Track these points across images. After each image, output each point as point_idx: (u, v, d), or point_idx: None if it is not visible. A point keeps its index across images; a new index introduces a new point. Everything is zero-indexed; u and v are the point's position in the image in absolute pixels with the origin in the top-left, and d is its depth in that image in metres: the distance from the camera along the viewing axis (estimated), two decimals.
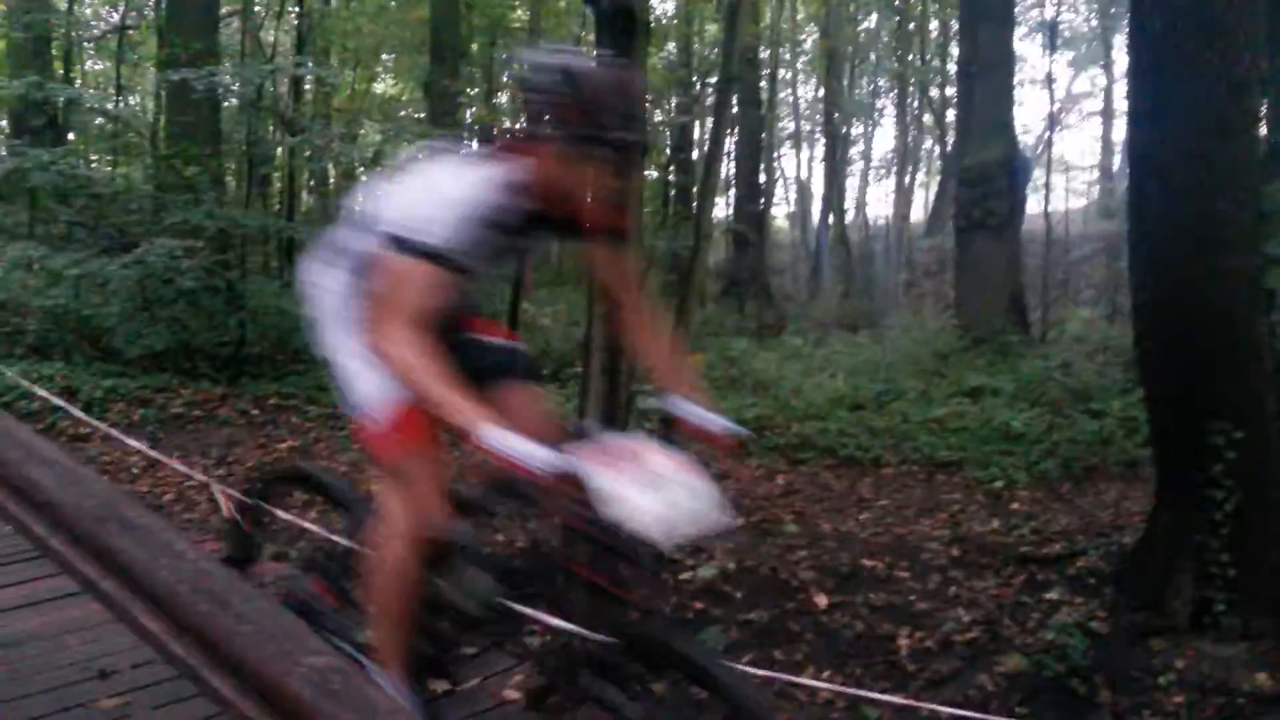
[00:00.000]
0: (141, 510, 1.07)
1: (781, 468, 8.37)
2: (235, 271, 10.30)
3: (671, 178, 19.94)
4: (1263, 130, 7.04)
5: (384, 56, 21.29)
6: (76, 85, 17.95)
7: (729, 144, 22.53)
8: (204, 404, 8.90)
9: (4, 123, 18.25)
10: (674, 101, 20.11)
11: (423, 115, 16.84)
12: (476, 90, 19.48)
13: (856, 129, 29.35)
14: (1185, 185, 4.98)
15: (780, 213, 31.05)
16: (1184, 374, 5.11)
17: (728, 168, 23.14)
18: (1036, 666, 4.59)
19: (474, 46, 18.40)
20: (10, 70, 17.05)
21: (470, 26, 17.14)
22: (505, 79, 19.10)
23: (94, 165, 16.45)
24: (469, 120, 18.50)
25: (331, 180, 20.92)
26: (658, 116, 20.49)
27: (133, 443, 6.44)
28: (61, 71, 17.65)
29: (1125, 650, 4.75)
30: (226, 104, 12.77)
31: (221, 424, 8.52)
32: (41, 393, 7.49)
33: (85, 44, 18.92)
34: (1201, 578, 4.87)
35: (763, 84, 23.42)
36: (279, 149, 12.70)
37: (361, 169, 15.53)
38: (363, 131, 18.28)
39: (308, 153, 12.92)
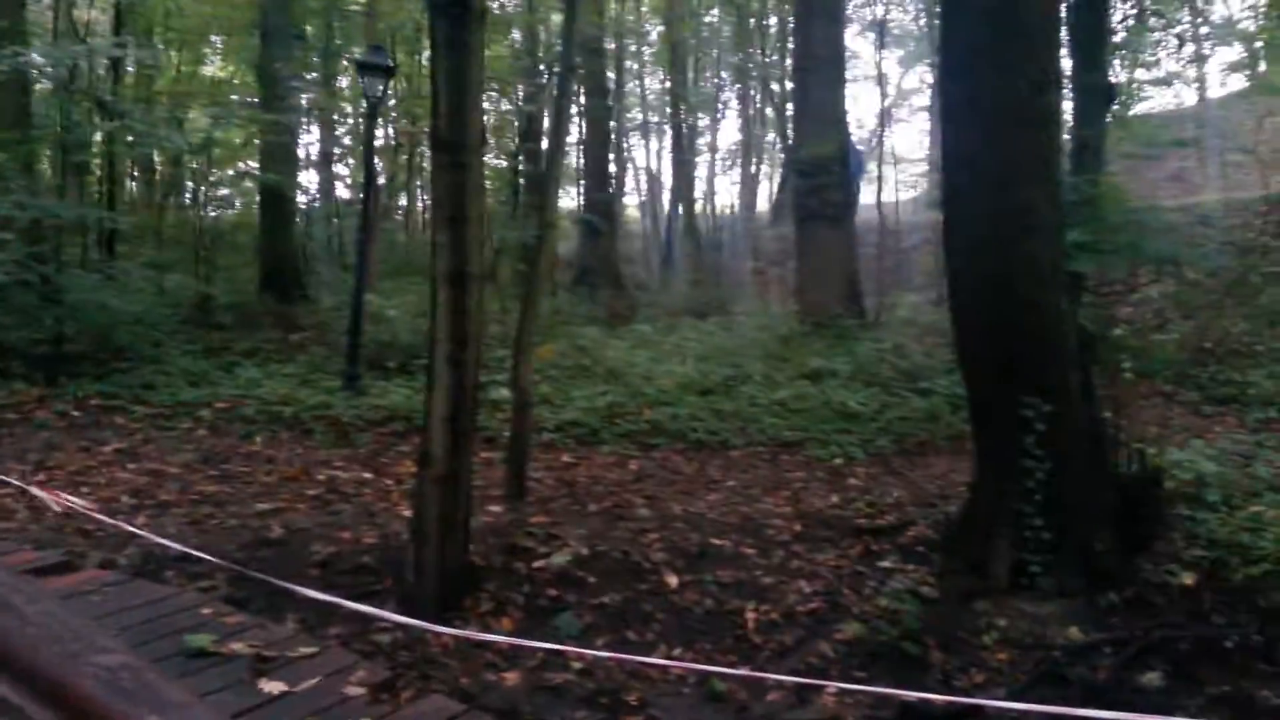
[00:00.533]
0: None
1: (633, 453, 8.49)
2: (51, 265, 9.58)
3: (521, 167, 19.79)
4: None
5: (212, 38, 20.18)
6: None
7: (577, 134, 22.55)
8: (19, 406, 8.27)
9: None
10: (520, 91, 19.95)
11: (255, 100, 16.07)
12: (315, 74, 18.75)
13: (703, 121, 29.92)
14: (992, 177, 5.35)
15: (631, 202, 31.34)
16: (996, 353, 5.50)
17: (576, 157, 23.17)
18: (873, 632, 4.84)
19: (308, 29, 17.69)
20: None
21: (304, 8, 16.46)
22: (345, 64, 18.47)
23: None
24: (304, 104, 17.81)
25: (159, 167, 19.72)
26: (504, 106, 20.30)
27: None
28: None
29: (953, 613, 5.08)
30: (38, 85, 11.86)
31: (40, 427, 7.95)
32: None
33: None
34: (1018, 542, 5.27)
35: (610, 74, 23.55)
36: (96, 135, 11.88)
37: (189, 155, 14.72)
38: (191, 116, 17.31)
39: (130, 138, 12.15)
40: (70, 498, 5.55)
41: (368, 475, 7.42)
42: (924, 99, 30.24)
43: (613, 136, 24.18)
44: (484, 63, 5.41)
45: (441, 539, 5.33)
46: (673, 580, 5.74)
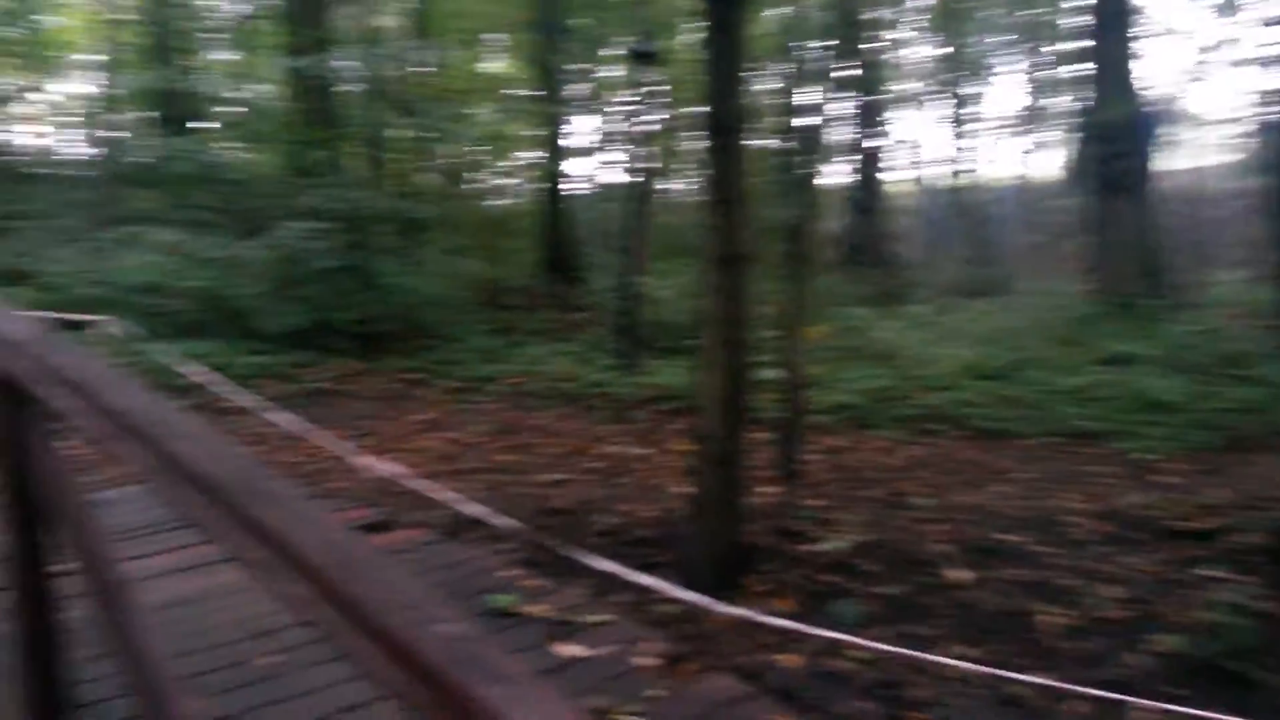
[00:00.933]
0: (283, 482, 1.08)
1: (909, 439, 8.13)
2: (365, 252, 10.65)
3: (783, 145, 19.54)
4: None
5: (493, 35, 21.55)
6: (208, 76, 18.92)
7: (844, 108, 21.89)
8: (344, 378, 9.26)
9: (146, 113, 19.37)
10: (784, 67, 19.64)
11: (532, 93, 16.99)
12: (583, 65, 19.51)
13: (979, 87, 28.09)
14: None
15: (900, 176, 30.13)
16: None
17: (842, 132, 22.51)
18: (1194, 646, 4.32)
19: (580, 21, 18.39)
20: (148, 63, 18.11)
21: (575, 3, 17.13)
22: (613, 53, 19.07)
23: (228, 152, 17.32)
24: (576, 94, 18.56)
25: (447, 159, 21.37)
26: (770, 85, 20.07)
27: (278, 416, 6.74)
28: (193, 64, 18.61)
29: None
30: (345, 89, 13.16)
31: (360, 398, 8.86)
32: (193, 369, 7.92)
33: (213, 35, 19.80)
34: None
35: (876, 43, 22.63)
36: (394, 131, 13.03)
37: (473, 148, 15.83)
38: (474, 111, 18.57)
39: (422, 133, 13.22)
40: (387, 463, 6.13)
41: (644, 451, 7.62)
42: (1241, 51, 26.63)
43: (880, 107, 23.25)
44: (750, 43, 5.38)
45: (718, 518, 5.37)
46: (959, 574, 5.43)
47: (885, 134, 24.04)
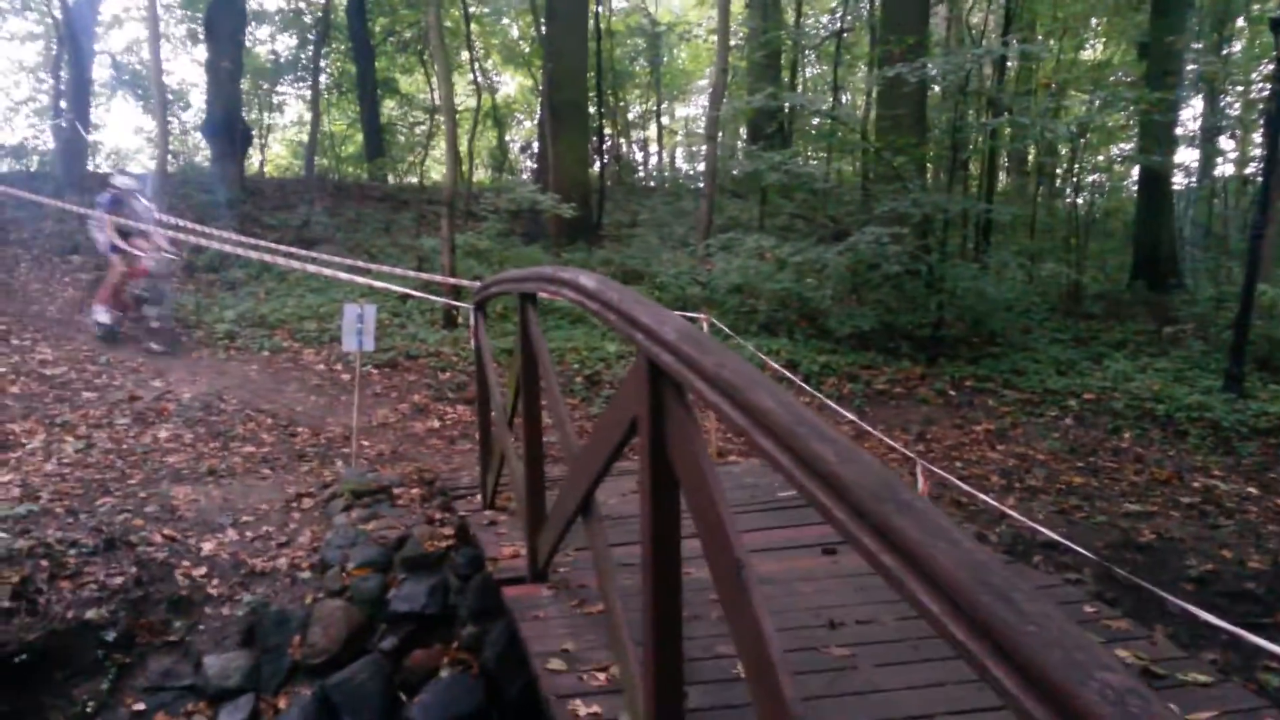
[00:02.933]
0: (914, 494, 1.11)
1: None
2: (935, 255, 10.59)
3: None
4: None
5: (1093, 21, 19.81)
6: (799, 91, 20.33)
7: None
8: (904, 382, 9.34)
9: (743, 130, 21.48)
10: None
11: (1133, 79, 15.29)
12: (1202, 43, 17.03)
13: None
14: None
15: None
16: None
17: None
18: None
19: None
20: (749, 84, 20.04)
21: None
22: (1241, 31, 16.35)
23: (813, 163, 18.44)
24: (1191, 78, 16.28)
25: (1030, 157, 20.26)
26: None
27: (844, 413, 7.04)
28: (787, 78, 20.13)
29: None
30: (931, 91, 13.15)
31: (920, 402, 8.86)
32: (772, 364, 8.63)
33: (807, 52, 21.20)
34: None
35: None
36: (981, 132, 12.69)
37: (1065, 144, 14.75)
38: (1067, 105, 17.30)
39: (1008, 132, 12.69)
40: (941, 472, 6.04)
41: (1253, 490, 6.49)
42: None
43: None
44: None
45: None
46: None
47: None
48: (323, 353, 9.32)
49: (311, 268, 8.74)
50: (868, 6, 17.60)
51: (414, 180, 23.78)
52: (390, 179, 21.47)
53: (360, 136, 22.49)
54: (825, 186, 11.63)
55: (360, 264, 9.92)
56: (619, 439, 2.29)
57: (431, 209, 15.31)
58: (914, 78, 9.72)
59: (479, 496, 5.07)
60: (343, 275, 9.00)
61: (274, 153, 25.15)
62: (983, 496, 5.41)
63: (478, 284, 10.29)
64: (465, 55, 20.85)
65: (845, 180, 14.89)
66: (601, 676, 2.77)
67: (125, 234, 8.75)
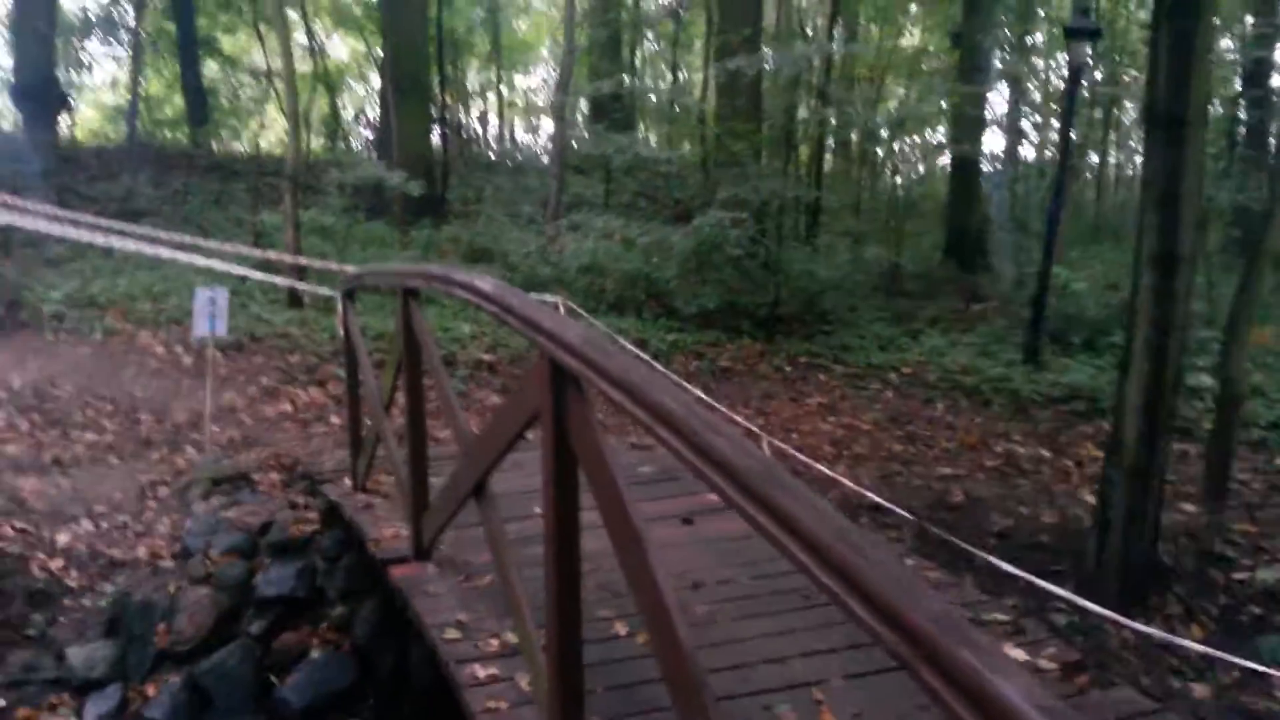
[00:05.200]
0: (789, 475, 1.46)
1: None
2: (771, 238, 11.25)
3: (1242, 115, 17.11)
4: None
5: (912, 9, 21.17)
6: (639, 69, 20.78)
7: None
8: (746, 359, 9.95)
9: (584, 104, 21.71)
10: (1248, 24, 17.13)
11: (949, 67, 16.53)
12: (1008, 39, 18.55)
13: None
14: None
15: None
16: None
17: None
18: None
19: None
20: (590, 63, 20.32)
21: None
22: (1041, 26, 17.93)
23: (653, 141, 18.94)
24: (994, 71, 17.72)
25: (853, 143, 21.48)
26: (1225, 42, 17.67)
27: (692, 389, 7.49)
28: (628, 56, 20.51)
29: None
30: (767, 83, 13.81)
31: (760, 378, 9.48)
32: (623, 342, 9.02)
33: (646, 31, 21.59)
34: None
35: None
36: (811, 122, 13.46)
37: (885, 131, 15.81)
38: (888, 92, 18.46)
39: (834, 121, 13.52)
40: (780, 444, 6.61)
41: (1046, 453, 7.40)
42: None
43: None
44: (1213, 25, 4.91)
45: (1127, 531, 5.17)
46: None
47: None
48: (160, 335, 9.01)
49: (149, 249, 8.43)
50: None
51: (242, 148, 22.76)
52: (215, 146, 20.51)
53: (180, 99, 21.31)
54: (670, 170, 12.08)
55: (192, 240, 9.57)
56: (518, 428, 2.58)
57: (267, 181, 14.83)
58: (752, 70, 10.27)
59: (347, 480, 5.19)
60: (181, 256, 8.72)
61: (84, 116, 23.43)
62: (818, 466, 5.98)
63: (322, 264, 10.23)
64: (294, 15, 20.10)
65: (686, 162, 15.42)
66: (495, 643, 3.05)
67: None
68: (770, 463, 1.49)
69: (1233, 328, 6.25)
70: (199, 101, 19.61)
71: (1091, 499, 5.98)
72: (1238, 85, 17.30)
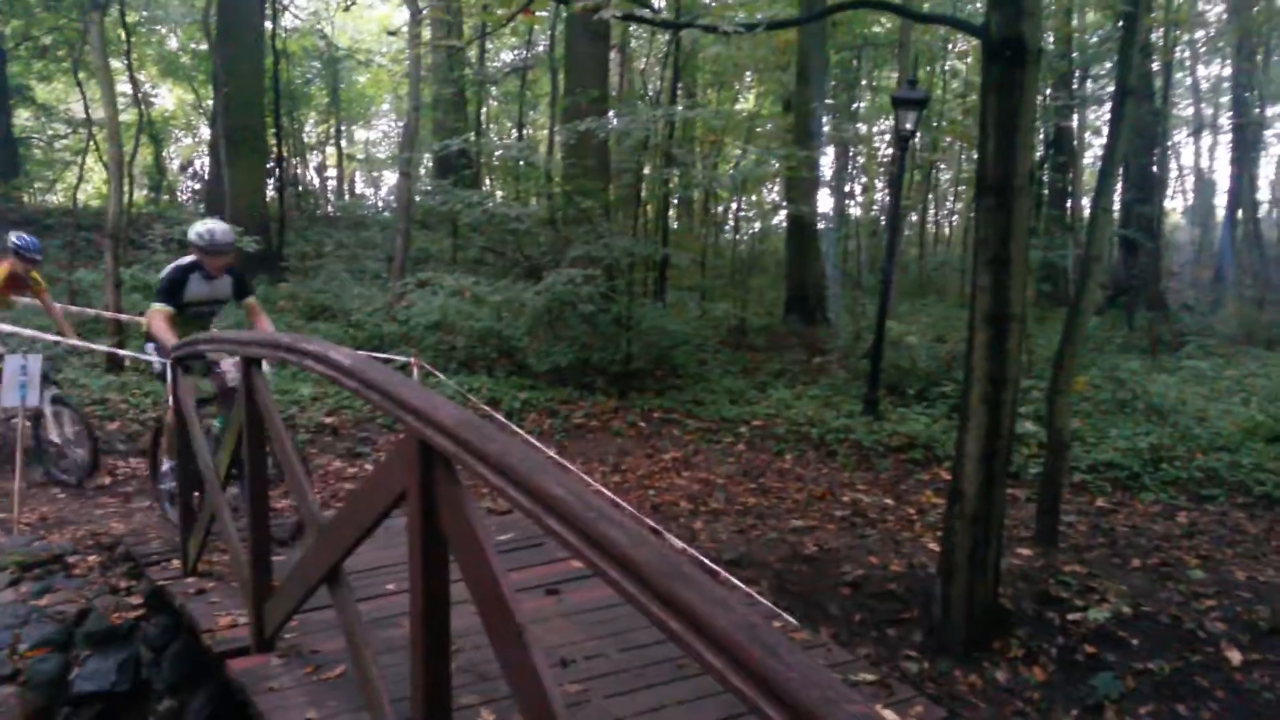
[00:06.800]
0: (697, 570, 1.40)
1: (1182, 504, 7.65)
2: (623, 295, 11.32)
3: (1045, 178, 18.71)
4: None
5: (747, 76, 22.15)
6: (484, 125, 20.73)
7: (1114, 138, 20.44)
8: (600, 415, 9.90)
9: (428, 158, 21.44)
10: (1048, 94, 18.80)
11: (784, 131, 17.31)
12: (836, 105, 19.65)
13: (1272, 110, 25.43)
14: None
15: (1176, 208, 27.76)
16: None
17: (1110, 161, 21.04)
18: None
19: (833, 61, 18.56)
20: (434, 119, 20.13)
21: (836, 44, 17.34)
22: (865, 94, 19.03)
23: (499, 195, 18.87)
24: (825, 136, 18.69)
25: (695, 201, 22.12)
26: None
27: (545, 450, 7.39)
28: (473, 112, 20.46)
29: None
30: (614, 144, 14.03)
31: (615, 434, 9.44)
32: (474, 401, 8.81)
33: (491, 88, 21.62)
34: None
35: (1155, 66, 21.13)
36: (657, 181, 13.73)
37: (727, 193, 16.33)
38: (725, 154, 19.14)
39: (678, 181, 13.85)
40: (624, 502, 6.57)
41: (890, 501, 7.66)
42: None
43: (1158, 138, 21.63)
44: (1035, 102, 5.31)
45: (970, 578, 5.37)
46: (1235, 656, 5.14)
47: (1162, 162, 22.34)
48: None
49: None
50: (547, 46, 18.39)
51: (56, 200, 21.22)
52: (26, 199, 19.03)
53: None
54: (520, 227, 12.01)
55: None
56: (381, 509, 2.41)
57: (84, 236, 13.82)
58: (601, 133, 10.40)
59: (176, 562, 4.79)
60: None
61: None
62: (670, 537, 5.96)
63: (144, 321, 9.52)
64: (118, 65, 19.01)
65: (536, 219, 15.43)
66: None
67: None
68: (672, 558, 1.43)
69: (1057, 379, 6.67)
70: (9, 152, 18.20)
71: (935, 546, 6.22)
72: (1039, 152, 18.86)
